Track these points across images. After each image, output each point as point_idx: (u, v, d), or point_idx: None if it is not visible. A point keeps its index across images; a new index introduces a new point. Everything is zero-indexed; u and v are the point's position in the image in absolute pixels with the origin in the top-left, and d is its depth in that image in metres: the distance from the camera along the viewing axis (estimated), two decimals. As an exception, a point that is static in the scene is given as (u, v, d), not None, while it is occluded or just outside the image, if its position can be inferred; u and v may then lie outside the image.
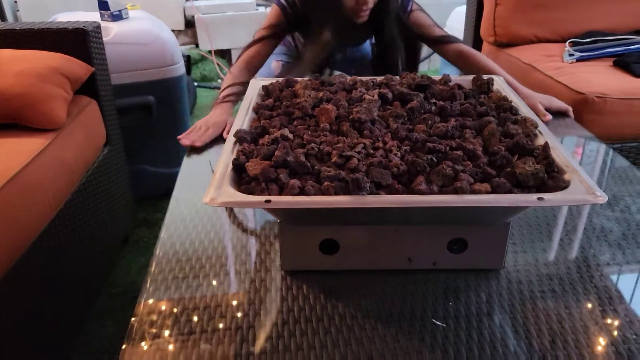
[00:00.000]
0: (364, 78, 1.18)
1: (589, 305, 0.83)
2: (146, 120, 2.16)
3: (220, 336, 0.78)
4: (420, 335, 0.77)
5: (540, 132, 0.94)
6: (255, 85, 1.19)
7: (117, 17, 2.16)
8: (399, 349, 0.75)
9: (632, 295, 0.86)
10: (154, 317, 0.82)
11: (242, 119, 1.02)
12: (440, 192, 0.78)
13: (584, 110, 1.66)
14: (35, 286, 1.33)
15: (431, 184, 0.79)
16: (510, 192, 0.78)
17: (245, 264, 0.93)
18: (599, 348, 0.76)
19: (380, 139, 0.90)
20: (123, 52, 2.05)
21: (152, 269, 0.92)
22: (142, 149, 2.20)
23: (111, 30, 2.07)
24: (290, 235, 0.87)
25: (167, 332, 0.79)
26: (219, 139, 1.35)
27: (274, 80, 1.21)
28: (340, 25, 1.59)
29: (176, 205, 1.10)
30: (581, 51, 1.97)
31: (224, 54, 4.17)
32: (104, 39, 1.83)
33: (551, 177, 0.79)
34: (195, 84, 3.63)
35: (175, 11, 4.08)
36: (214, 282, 0.89)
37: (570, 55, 1.97)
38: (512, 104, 1.04)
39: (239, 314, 0.82)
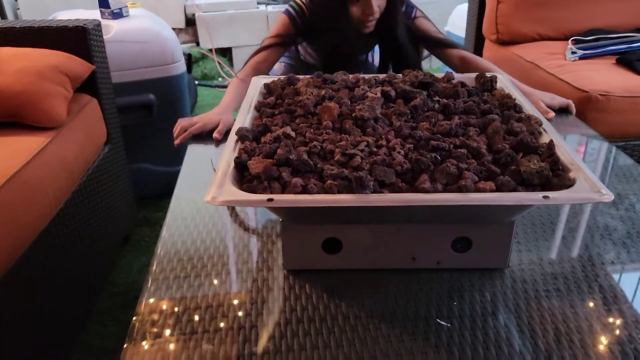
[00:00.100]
0: (366, 76, 1.18)
1: (595, 305, 0.83)
2: (147, 118, 2.16)
3: (222, 336, 0.77)
4: (424, 335, 0.77)
5: (544, 129, 0.93)
6: (257, 83, 1.18)
7: (118, 15, 2.15)
8: (403, 349, 0.75)
9: (637, 293, 0.86)
10: (156, 317, 0.81)
11: (244, 117, 1.01)
12: (445, 191, 0.77)
13: (587, 108, 1.65)
14: (35, 285, 1.32)
15: (435, 182, 0.78)
16: (515, 190, 0.77)
17: (247, 263, 0.92)
18: (605, 347, 0.75)
19: (383, 137, 0.89)
20: (123, 50, 2.04)
21: (154, 268, 0.91)
22: (143, 148, 2.19)
23: (111, 28, 2.06)
24: (292, 234, 0.86)
25: (168, 332, 0.78)
26: (221, 140, 1.35)
27: (275, 78, 1.20)
28: (347, 35, 1.59)
29: (177, 204, 1.09)
30: (584, 49, 1.96)
31: (225, 52, 4.16)
32: (104, 37, 1.83)
33: (556, 175, 0.79)
34: (196, 82, 3.62)
35: (176, 9, 4.07)
36: (216, 282, 0.88)
37: (573, 53, 1.96)
38: (516, 101, 1.03)
39: (241, 314, 0.81)
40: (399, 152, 0.83)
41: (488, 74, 1.15)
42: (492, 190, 0.76)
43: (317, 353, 0.74)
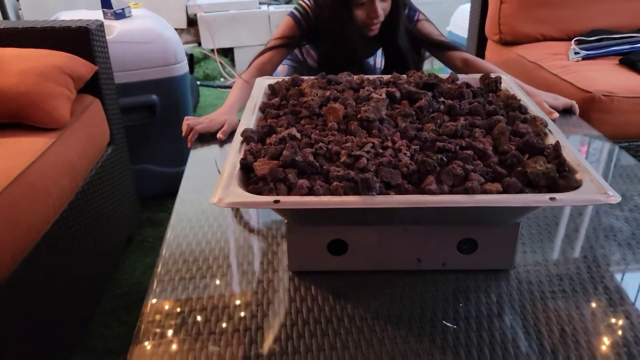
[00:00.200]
0: (371, 77, 1.18)
1: (600, 306, 0.82)
2: (149, 119, 2.16)
3: (228, 337, 0.77)
4: (430, 337, 0.77)
5: (550, 130, 0.93)
6: (261, 84, 1.18)
7: (120, 15, 2.15)
8: (410, 350, 0.75)
9: (643, 295, 0.86)
10: (162, 318, 0.81)
11: (249, 118, 1.01)
12: (451, 192, 0.77)
13: (590, 109, 1.65)
14: (39, 287, 1.32)
15: (441, 183, 0.78)
16: (521, 191, 0.77)
17: (252, 265, 0.92)
18: (612, 349, 0.75)
19: (389, 138, 0.89)
20: (126, 50, 2.04)
21: (159, 269, 0.91)
22: (146, 148, 2.19)
23: (114, 29, 2.06)
24: (298, 235, 0.86)
25: (174, 333, 0.78)
26: (225, 140, 1.35)
27: (279, 79, 1.20)
28: (351, 38, 1.60)
29: (182, 205, 1.09)
30: (587, 49, 1.96)
31: (227, 53, 4.16)
32: (107, 37, 1.83)
33: (562, 177, 0.78)
34: (198, 82, 3.62)
35: (178, 10, 4.07)
36: (221, 283, 0.88)
37: (576, 53, 1.96)
38: (521, 102, 1.03)
39: (247, 315, 0.81)
40: (405, 154, 0.83)
41: (492, 75, 1.15)
42: (498, 192, 0.76)
43: (324, 354, 0.74)
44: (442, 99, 1.04)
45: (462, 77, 1.19)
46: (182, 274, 0.90)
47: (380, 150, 0.84)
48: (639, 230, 1.01)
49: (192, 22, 4.15)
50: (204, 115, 1.43)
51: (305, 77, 1.18)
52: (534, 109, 1.01)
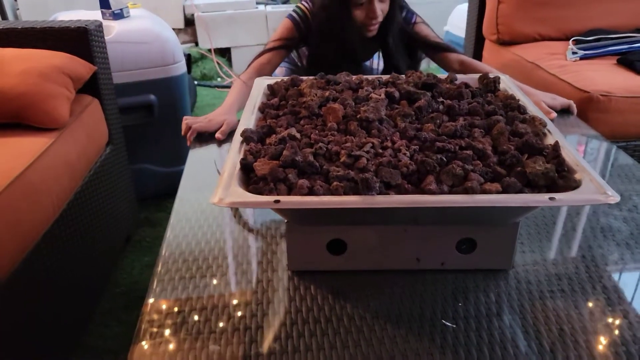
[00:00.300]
0: (370, 77, 1.18)
1: (599, 305, 0.83)
2: (148, 119, 2.16)
3: (228, 337, 0.77)
4: (430, 336, 0.77)
5: (549, 131, 0.93)
6: (260, 84, 1.18)
7: (119, 15, 2.15)
8: (409, 349, 0.75)
9: (641, 294, 0.86)
10: (162, 318, 0.81)
11: (248, 118, 1.01)
12: (451, 192, 0.78)
13: (588, 109, 1.65)
14: (38, 287, 1.32)
15: (441, 183, 0.78)
16: (520, 191, 0.77)
17: (252, 264, 0.93)
18: (610, 348, 0.75)
19: (388, 138, 0.90)
20: (124, 51, 2.04)
21: (159, 269, 0.91)
22: (144, 148, 2.20)
23: (112, 29, 2.06)
24: (297, 235, 0.86)
25: (175, 333, 0.78)
26: (224, 140, 1.35)
27: (278, 79, 1.20)
28: (350, 39, 1.61)
29: (181, 205, 1.09)
30: (585, 49, 1.97)
31: (224, 53, 4.16)
32: (105, 37, 1.83)
33: (562, 177, 0.79)
34: (195, 82, 3.62)
35: (175, 9, 4.07)
36: (221, 283, 0.88)
37: (574, 53, 1.96)
38: (520, 102, 1.03)
39: (247, 315, 0.81)
40: (404, 154, 0.83)
41: (491, 75, 1.15)
42: (498, 192, 0.76)
43: (323, 354, 0.74)
44: (441, 99, 1.04)
45: (460, 77, 1.19)
46: (182, 274, 0.90)
47: (380, 151, 0.85)
48: (637, 230, 1.02)
49: (189, 22, 4.15)
50: (202, 115, 1.43)
51: (304, 78, 1.18)
52: (532, 109, 1.01)
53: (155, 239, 2.06)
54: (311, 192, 0.77)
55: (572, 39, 2.06)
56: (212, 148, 1.34)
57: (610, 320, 0.80)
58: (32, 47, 1.66)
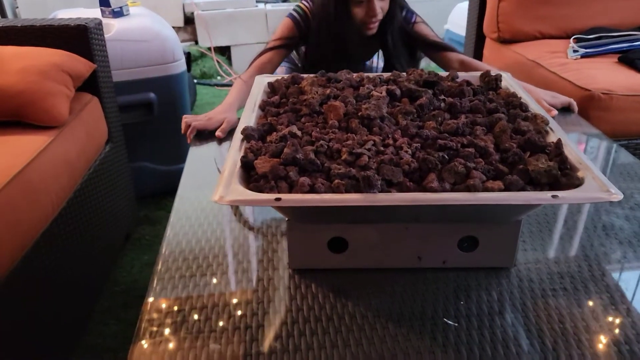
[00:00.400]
0: (371, 75, 1.17)
1: (602, 304, 0.82)
2: (147, 117, 2.15)
3: (229, 335, 0.77)
4: (432, 335, 0.77)
5: (551, 128, 0.93)
6: (261, 82, 1.18)
7: (118, 13, 2.15)
8: (411, 348, 0.75)
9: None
10: (162, 316, 0.81)
11: (249, 115, 1.01)
12: (453, 190, 0.77)
13: (589, 107, 1.65)
14: (37, 285, 1.32)
15: (443, 181, 0.78)
16: (523, 189, 0.77)
17: (252, 263, 0.92)
18: (613, 346, 0.75)
19: (390, 136, 0.89)
20: (124, 49, 2.04)
21: (159, 267, 0.91)
22: (143, 146, 2.19)
23: (112, 27, 2.06)
24: (298, 233, 0.86)
25: (175, 331, 0.78)
26: (224, 138, 1.34)
27: (279, 77, 1.20)
28: (350, 38, 1.61)
29: (181, 203, 1.09)
30: (585, 47, 1.96)
31: (224, 51, 4.16)
32: (105, 35, 1.82)
33: (564, 175, 0.78)
34: (195, 81, 3.61)
35: (175, 8, 4.07)
36: (221, 281, 0.88)
37: (575, 51, 1.96)
38: (521, 100, 1.03)
39: (248, 313, 0.81)
40: (406, 151, 0.83)
41: (492, 73, 1.15)
42: (500, 190, 0.76)
43: (325, 352, 0.74)
44: (442, 97, 1.04)
45: (462, 75, 1.19)
46: (182, 272, 0.90)
47: (382, 148, 0.84)
48: (639, 228, 1.01)
49: (189, 20, 4.15)
50: (202, 113, 1.43)
51: (305, 75, 1.17)
52: (534, 107, 1.01)
53: (154, 237, 2.05)
54: (312, 190, 0.76)
55: (573, 37, 2.06)
56: (212, 146, 1.33)
57: (612, 318, 0.80)
58: (32, 45, 1.66)
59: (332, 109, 0.97)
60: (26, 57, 1.56)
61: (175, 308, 0.82)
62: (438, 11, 3.66)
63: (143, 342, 0.76)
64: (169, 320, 0.80)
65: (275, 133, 0.91)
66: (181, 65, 2.20)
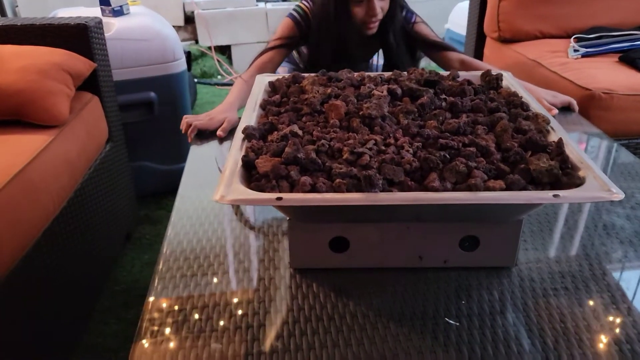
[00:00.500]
0: (372, 74, 1.17)
1: (603, 303, 0.82)
2: (147, 116, 2.15)
3: (230, 335, 0.77)
4: (433, 334, 0.76)
5: (552, 128, 0.93)
6: (262, 81, 1.18)
7: (119, 12, 2.15)
8: (412, 347, 0.74)
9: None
10: (163, 316, 0.81)
11: (250, 115, 1.01)
12: (454, 189, 0.77)
13: (590, 106, 1.65)
14: (38, 284, 1.31)
15: (444, 180, 0.78)
16: (524, 189, 0.77)
17: (253, 262, 0.92)
18: (614, 346, 0.75)
19: (391, 135, 0.89)
20: (124, 48, 2.04)
21: (160, 267, 0.91)
22: (144, 146, 2.19)
23: (112, 26, 2.06)
24: (300, 232, 0.86)
25: (176, 331, 0.78)
26: (225, 138, 1.34)
27: (280, 76, 1.20)
28: (349, 38, 1.61)
29: (182, 203, 1.09)
30: (586, 47, 1.96)
31: (224, 50, 4.15)
32: (105, 34, 1.82)
33: (565, 174, 0.78)
34: (195, 80, 3.61)
35: (175, 7, 4.07)
36: (222, 280, 0.88)
37: (575, 51, 1.96)
38: (522, 99, 1.03)
39: (249, 313, 0.81)
40: (407, 151, 0.83)
41: (493, 72, 1.15)
42: (501, 189, 0.75)
43: (326, 352, 0.74)
44: (443, 96, 1.03)
45: (463, 75, 1.19)
46: (183, 272, 0.90)
47: (383, 147, 0.84)
48: (640, 227, 1.01)
49: (189, 19, 4.15)
50: (202, 112, 1.43)
51: (306, 75, 1.17)
52: (535, 106, 1.01)
53: (155, 237, 2.05)
54: (313, 189, 0.76)
55: (574, 36, 2.06)
56: (213, 145, 1.33)
57: (614, 317, 0.80)
58: (32, 44, 1.66)
59: (333, 108, 0.97)
60: (26, 56, 1.55)
61: (177, 307, 0.82)
62: (439, 10, 3.66)
63: (144, 341, 0.76)
64: (170, 320, 0.80)
65: (276, 132, 0.91)
66: (181, 65, 2.20)
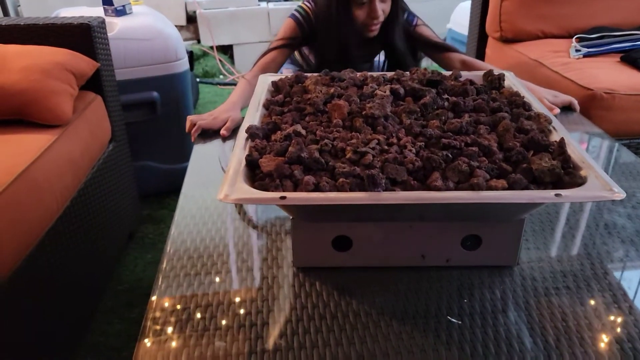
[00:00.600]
0: (374, 74, 1.18)
1: (604, 302, 0.83)
2: (150, 116, 2.16)
3: (234, 333, 0.77)
4: (435, 333, 0.77)
5: (554, 127, 0.93)
6: (265, 81, 1.18)
7: (121, 12, 2.15)
8: (415, 346, 0.75)
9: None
10: (167, 315, 0.81)
11: (253, 114, 1.01)
12: (457, 189, 0.77)
13: (592, 106, 1.65)
14: (41, 284, 1.32)
15: (447, 180, 0.78)
16: (526, 188, 0.77)
17: (257, 261, 0.93)
18: (616, 345, 0.75)
19: (394, 134, 0.90)
20: (127, 47, 2.04)
21: (164, 265, 0.91)
22: (147, 145, 2.20)
23: (115, 26, 2.06)
24: (303, 231, 0.86)
25: (180, 330, 0.78)
26: (228, 137, 1.35)
27: (282, 76, 1.20)
28: (351, 40, 1.61)
29: (186, 202, 1.09)
30: (588, 47, 1.97)
31: (226, 50, 4.16)
32: (108, 34, 1.82)
33: (567, 173, 0.79)
34: (197, 79, 3.62)
35: (177, 6, 4.07)
36: (226, 279, 0.88)
37: (577, 50, 1.96)
38: (524, 99, 1.03)
39: (253, 311, 0.81)
40: (410, 150, 0.83)
41: (495, 72, 1.15)
42: (504, 188, 0.76)
43: (329, 350, 0.74)
44: (446, 96, 1.04)
45: (465, 75, 1.19)
46: (187, 271, 0.90)
47: (386, 147, 0.85)
48: (641, 226, 1.02)
49: (191, 19, 4.15)
50: (204, 112, 1.43)
51: (309, 75, 1.18)
52: (537, 106, 1.01)
53: (157, 236, 2.06)
54: (317, 188, 0.77)
55: (576, 36, 2.06)
56: (216, 145, 1.34)
57: (615, 316, 0.80)
58: (35, 43, 1.66)
59: (337, 107, 0.97)
60: (29, 56, 1.56)
61: (180, 306, 0.83)
62: (440, 10, 3.66)
63: (148, 340, 0.77)
64: (174, 319, 0.80)
65: (279, 132, 0.91)
66: (184, 64, 2.21)
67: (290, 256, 0.92)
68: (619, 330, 0.78)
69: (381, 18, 1.57)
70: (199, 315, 0.81)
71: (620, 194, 0.73)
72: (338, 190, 0.76)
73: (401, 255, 0.88)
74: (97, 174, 1.66)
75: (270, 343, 0.76)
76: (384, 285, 0.86)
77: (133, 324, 1.60)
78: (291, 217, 0.85)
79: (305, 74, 1.18)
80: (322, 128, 0.93)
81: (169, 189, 2.27)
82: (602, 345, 0.75)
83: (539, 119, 0.94)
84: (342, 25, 1.58)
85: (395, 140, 0.87)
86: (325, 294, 0.84)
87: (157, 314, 0.81)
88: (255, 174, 0.83)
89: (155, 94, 2.12)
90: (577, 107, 1.50)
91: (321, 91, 1.05)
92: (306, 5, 1.67)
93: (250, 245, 0.97)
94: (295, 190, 0.78)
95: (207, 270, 0.90)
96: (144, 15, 2.21)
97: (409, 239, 0.86)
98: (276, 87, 1.16)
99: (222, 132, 1.34)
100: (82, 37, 1.69)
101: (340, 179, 0.77)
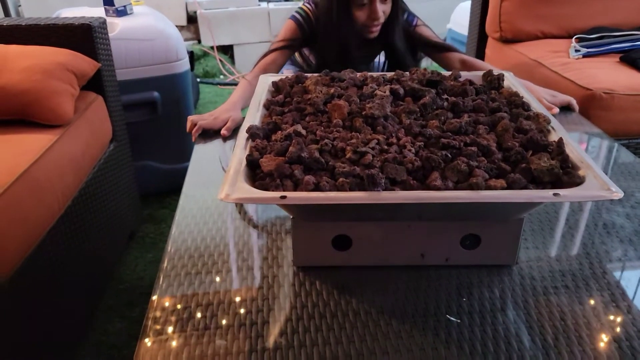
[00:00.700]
0: (374, 74, 1.18)
1: (603, 301, 0.83)
2: (151, 116, 2.16)
3: (235, 332, 0.78)
4: (434, 331, 0.77)
5: (552, 127, 0.94)
6: (265, 81, 1.19)
7: (122, 12, 2.16)
8: (414, 344, 0.75)
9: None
10: (168, 314, 0.82)
11: (254, 114, 1.02)
12: (456, 188, 0.78)
13: (591, 106, 1.66)
14: (43, 283, 1.33)
15: (446, 179, 0.79)
16: (525, 188, 0.78)
17: (257, 260, 0.93)
18: (614, 343, 0.76)
19: (393, 134, 0.90)
20: (128, 48, 2.05)
21: (165, 265, 0.92)
22: (147, 145, 2.20)
23: (116, 26, 2.07)
24: (303, 231, 0.87)
25: (181, 329, 0.79)
26: (229, 137, 1.35)
27: (283, 76, 1.21)
28: (351, 41, 1.62)
29: (186, 202, 1.10)
30: (587, 47, 1.97)
31: (226, 50, 4.16)
32: (109, 34, 1.83)
33: (566, 173, 0.79)
34: (198, 79, 3.62)
35: (178, 6, 4.08)
36: (227, 278, 0.89)
37: (577, 51, 1.97)
38: (523, 99, 1.04)
39: (253, 310, 0.82)
40: (409, 150, 0.84)
41: (495, 72, 1.16)
42: (503, 188, 0.76)
43: (329, 348, 0.75)
44: (445, 96, 1.04)
45: (464, 75, 1.20)
46: (187, 270, 0.91)
47: (385, 147, 0.85)
48: (640, 226, 1.02)
49: (191, 19, 4.16)
50: (205, 112, 1.44)
51: (309, 75, 1.18)
52: (536, 106, 1.02)
53: (158, 236, 2.06)
54: (317, 188, 0.77)
55: (575, 36, 2.07)
56: (217, 144, 1.34)
57: (613, 316, 0.80)
58: (36, 43, 1.67)
59: (337, 108, 0.98)
60: (31, 56, 1.56)
61: (181, 305, 0.83)
62: (440, 10, 3.67)
63: (149, 339, 0.77)
64: (174, 318, 0.81)
65: (280, 132, 0.92)
66: (185, 64, 2.21)
67: (290, 255, 0.93)
68: (617, 329, 0.78)
69: (382, 19, 1.58)
70: (199, 314, 0.81)
71: (618, 194, 0.74)
72: (338, 190, 0.77)
73: (400, 254, 0.89)
74: (98, 173, 1.67)
75: (271, 342, 0.76)
76: (383, 284, 0.86)
77: (134, 323, 1.60)
78: (291, 217, 0.86)
79: (306, 74, 1.19)
80: (322, 128, 0.94)
81: (170, 189, 2.27)
82: (601, 344, 0.76)
83: (538, 119, 0.94)
84: (343, 26, 1.59)
85: (394, 140, 0.87)
86: (325, 292, 0.85)
87: (158, 313, 0.82)
88: (255, 174, 0.83)
89: (156, 94, 2.13)
90: (576, 107, 1.51)
91: (321, 91, 1.05)
92: (306, 7, 1.68)
93: (250, 245, 0.97)
94: (295, 189, 0.78)
95: (208, 270, 0.91)
96: (145, 16, 2.21)
97: (408, 238, 0.87)
98: (276, 87, 1.17)
99: (223, 132, 1.35)
100: (83, 37, 1.70)
101: (340, 179, 0.77)
